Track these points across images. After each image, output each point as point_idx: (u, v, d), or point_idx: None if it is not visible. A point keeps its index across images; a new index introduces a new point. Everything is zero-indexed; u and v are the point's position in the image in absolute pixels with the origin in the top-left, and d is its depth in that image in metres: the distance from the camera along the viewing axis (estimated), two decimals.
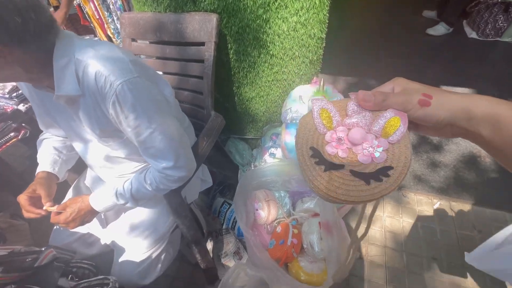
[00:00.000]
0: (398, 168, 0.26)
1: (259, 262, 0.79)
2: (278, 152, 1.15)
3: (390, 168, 0.26)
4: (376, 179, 0.26)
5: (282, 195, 1.02)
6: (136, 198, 0.71)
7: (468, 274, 1.09)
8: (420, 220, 1.28)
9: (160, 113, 0.62)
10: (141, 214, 0.83)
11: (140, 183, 0.70)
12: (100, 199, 0.71)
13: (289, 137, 1.06)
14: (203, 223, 1.28)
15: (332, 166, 0.28)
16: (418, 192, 1.38)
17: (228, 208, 1.28)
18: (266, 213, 0.95)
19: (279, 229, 0.91)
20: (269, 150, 1.17)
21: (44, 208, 0.69)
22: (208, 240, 1.31)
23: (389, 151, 0.27)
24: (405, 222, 1.28)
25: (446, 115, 0.26)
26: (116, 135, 0.66)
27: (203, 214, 1.33)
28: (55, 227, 0.89)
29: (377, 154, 0.27)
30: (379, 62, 2.17)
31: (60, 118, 0.68)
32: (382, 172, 0.26)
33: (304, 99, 1.00)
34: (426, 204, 1.33)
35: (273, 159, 1.13)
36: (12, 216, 1.01)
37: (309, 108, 0.97)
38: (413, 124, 0.29)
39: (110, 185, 0.73)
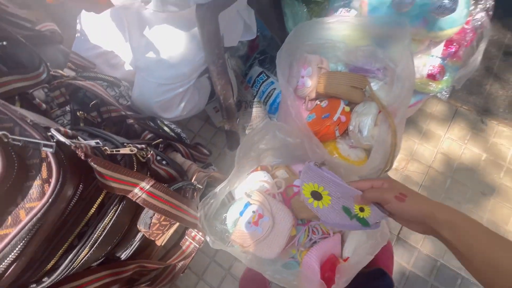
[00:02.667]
0: None
1: (292, 126, 0.67)
2: (351, 15, 0.84)
3: None
4: None
5: (339, 68, 0.80)
6: None
7: None
8: (489, 153, 1.05)
9: None
10: (169, 35, 0.68)
11: None
12: None
13: None
14: (235, 90, 1.16)
15: None
16: (504, 122, 1.08)
17: (265, 80, 1.11)
18: (314, 83, 0.76)
19: (324, 103, 0.74)
20: (338, 11, 0.86)
21: None
22: (236, 110, 1.23)
23: None
24: (467, 150, 1.06)
25: (418, 214, 0.38)
26: None
27: (236, 81, 1.19)
28: (77, 34, 0.79)
29: None
30: None
31: None
32: None
33: None
34: (507, 138, 1.06)
35: None
36: None
37: None
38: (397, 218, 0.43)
39: None
